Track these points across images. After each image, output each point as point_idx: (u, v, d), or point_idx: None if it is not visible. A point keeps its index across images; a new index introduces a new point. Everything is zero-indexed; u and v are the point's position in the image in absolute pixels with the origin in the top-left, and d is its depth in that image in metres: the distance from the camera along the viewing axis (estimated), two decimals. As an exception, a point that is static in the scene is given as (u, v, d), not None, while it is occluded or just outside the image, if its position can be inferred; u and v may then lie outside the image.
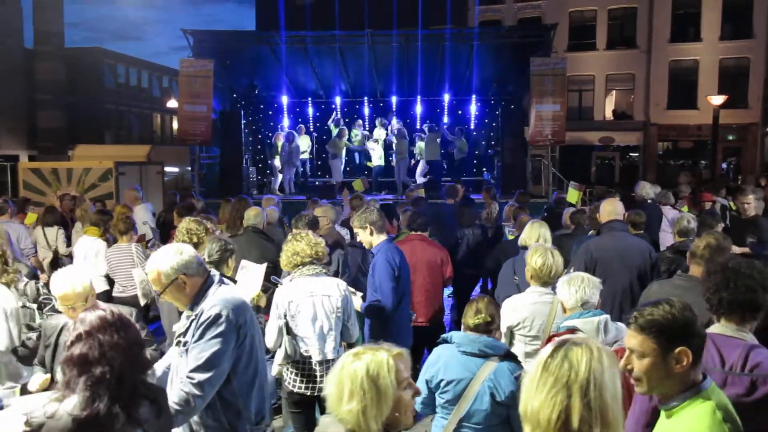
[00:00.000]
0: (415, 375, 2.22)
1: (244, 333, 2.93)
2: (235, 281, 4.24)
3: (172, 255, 2.94)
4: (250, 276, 4.53)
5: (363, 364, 1.86)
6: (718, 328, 2.61)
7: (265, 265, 4.71)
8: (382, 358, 1.89)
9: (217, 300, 2.89)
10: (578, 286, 3.41)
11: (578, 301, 3.39)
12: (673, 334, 1.97)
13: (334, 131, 15.60)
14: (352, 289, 4.62)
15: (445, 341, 3.31)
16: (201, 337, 2.82)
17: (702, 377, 2.05)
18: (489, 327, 3.26)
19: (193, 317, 2.91)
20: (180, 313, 3.99)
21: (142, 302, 6.24)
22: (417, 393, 1.97)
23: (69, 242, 8.28)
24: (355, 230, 4.88)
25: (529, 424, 1.64)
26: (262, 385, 3.15)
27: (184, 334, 2.95)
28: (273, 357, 4.15)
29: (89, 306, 3.38)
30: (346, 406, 1.83)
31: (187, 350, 2.88)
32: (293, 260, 4.05)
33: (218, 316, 2.83)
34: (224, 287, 3.04)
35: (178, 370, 2.91)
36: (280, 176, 15.55)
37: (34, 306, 3.97)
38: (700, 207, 9.24)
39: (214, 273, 3.09)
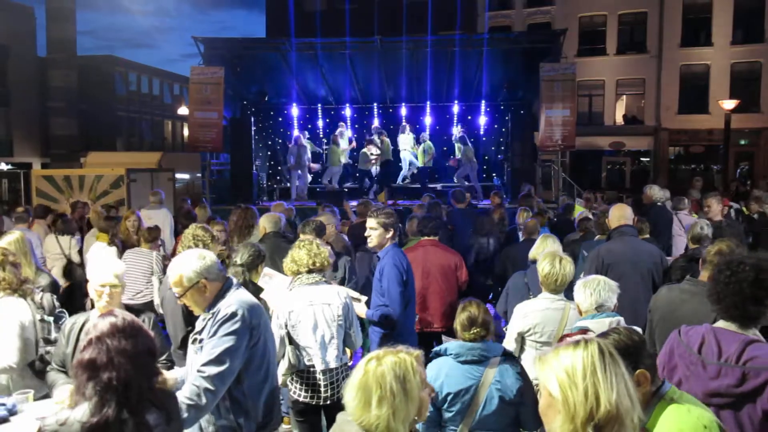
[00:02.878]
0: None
1: (257, 334, 3.01)
2: (261, 288, 4.31)
3: (195, 259, 3.03)
4: (275, 285, 4.50)
5: (389, 368, 1.84)
6: (722, 324, 2.70)
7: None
8: (406, 360, 1.88)
9: (233, 300, 2.99)
10: (593, 289, 3.40)
11: (593, 304, 3.39)
12: (628, 361, 2.00)
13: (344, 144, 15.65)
14: (356, 295, 4.56)
15: (439, 354, 3.28)
16: (215, 333, 2.90)
17: (660, 383, 2.18)
18: (485, 336, 3.26)
19: (209, 317, 2.99)
20: (185, 318, 4.03)
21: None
22: (432, 391, 1.97)
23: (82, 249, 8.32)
24: (371, 227, 4.57)
25: (600, 419, 1.63)
26: (273, 389, 3.21)
27: (200, 332, 3.03)
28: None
29: (115, 301, 3.43)
30: (375, 412, 1.79)
31: (202, 347, 2.95)
32: (291, 268, 4.05)
33: (234, 314, 2.92)
34: (242, 290, 3.14)
35: (193, 366, 2.97)
36: (296, 182, 15.60)
37: (51, 319, 3.87)
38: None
39: (232, 277, 3.18)
